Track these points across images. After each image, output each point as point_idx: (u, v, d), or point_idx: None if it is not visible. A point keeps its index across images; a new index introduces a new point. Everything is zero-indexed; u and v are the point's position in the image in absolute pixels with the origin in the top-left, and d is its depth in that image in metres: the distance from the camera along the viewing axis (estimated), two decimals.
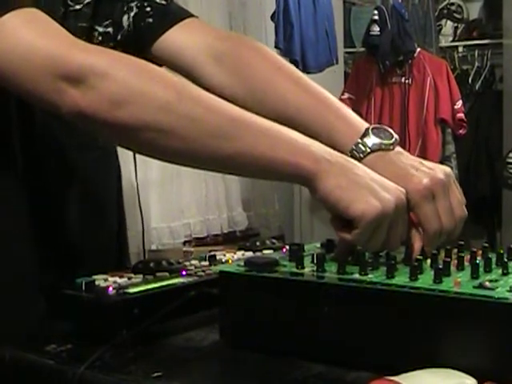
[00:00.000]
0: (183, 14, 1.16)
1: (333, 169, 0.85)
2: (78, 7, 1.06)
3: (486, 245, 0.90)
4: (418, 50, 3.97)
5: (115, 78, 0.84)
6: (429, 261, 0.84)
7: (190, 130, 0.85)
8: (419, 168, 0.93)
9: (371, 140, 0.95)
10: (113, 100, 0.83)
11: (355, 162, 0.88)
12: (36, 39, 0.86)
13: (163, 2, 1.16)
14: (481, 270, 0.80)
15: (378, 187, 0.84)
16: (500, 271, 0.81)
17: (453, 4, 4.46)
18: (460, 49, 4.32)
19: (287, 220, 4.38)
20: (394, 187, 0.86)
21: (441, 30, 4.38)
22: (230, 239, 4.02)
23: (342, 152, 0.89)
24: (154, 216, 3.62)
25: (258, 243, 1.12)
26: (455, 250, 0.89)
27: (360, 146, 0.95)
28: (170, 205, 3.73)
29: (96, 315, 0.86)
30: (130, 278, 0.92)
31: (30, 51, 0.85)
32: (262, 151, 0.85)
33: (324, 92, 1.04)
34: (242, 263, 0.86)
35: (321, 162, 0.85)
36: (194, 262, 1.03)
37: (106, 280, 0.91)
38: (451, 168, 3.95)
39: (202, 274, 0.96)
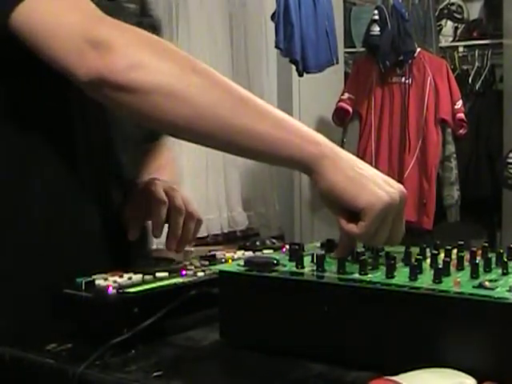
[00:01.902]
0: None
1: (337, 158, 0.86)
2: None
3: (486, 244, 0.90)
4: (418, 49, 3.96)
5: (134, 47, 0.89)
6: (428, 260, 0.84)
7: (200, 97, 0.88)
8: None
9: None
10: (129, 64, 0.87)
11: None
12: (67, 11, 0.91)
13: None
14: (480, 269, 0.80)
15: (382, 181, 0.85)
16: (500, 271, 0.81)
17: (453, 4, 4.45)
18: (460, 49, 4.31)
19: (287, 220, 4.37)
20: (396, 182, 0.87)
21: (441, 29, 4.37)
22: (230, 239, 4.02)
23: None
24: None
25: (258, 243, 1.12)
26: (455, 250, 0.89)
27: None
28: None
29: (96, 314, 0.86)
30: (129, 278, 0.92)
31: (60, 21, 0.91)
32: (268, 129, 0.87)
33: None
34: (242, 263, 0.86)
35: (324, 147, 0.87)
36: (194, 261, 1.03)
37: (105, 279, 0.91)
38: (451, 168, 3.98)
39: (202, 273, 0.96)
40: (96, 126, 1.09)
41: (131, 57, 0.88)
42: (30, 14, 0.91)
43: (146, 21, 1.22)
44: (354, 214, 0.84)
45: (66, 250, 1.05)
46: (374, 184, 0.84)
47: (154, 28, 1.23)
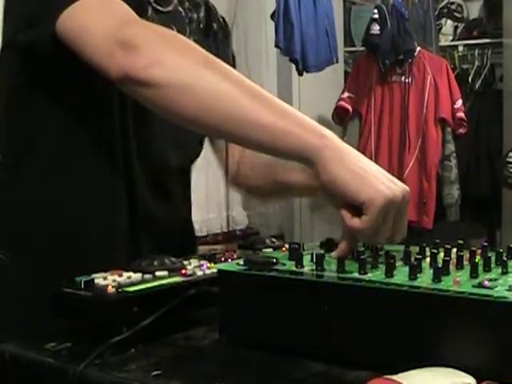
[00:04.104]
0: None
1: (339, 151, 0.87)
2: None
3: (486, 244, 0.90)
4: (418, 49, 3.96)
5: (156, 46, 0.96)
6: (428, 260, 0.84)
7: (208, 90, 0.93)
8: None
9: None
10: (150, 62, 0.94)
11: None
12: (104, 17, 1.00)
13: None
14: (480, 269, 0.80)
15: (385, 178, 0.85)
16: (499, 270, 0.81)
17: (453, 3, 4.45)
18: (460, 48, 4.31)
19: (287, 219, 4.37)
20: (398, 181, 0.87)
21: (441, 29, 4.37)
22: (229, 238, 4.02)
23: None
24: None
25: (257, 242, 1.12)
26: (454, 249, 0.89)
27: None
28: None
29: (95, 314, 0.86)
30: (129, 277, 0.92)
31: (96, 26, 1.00)
32: (272, 120, 0.90)
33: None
34: (242, 262, 0.86)
35: (327, 139, 0.87)
36: (193, 260, 1.03)
37: (105, 278, 0.90)
38: (451, 167, 3.98)
39: (201, 272, 0.96)
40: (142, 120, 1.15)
41: (151, 54, 0.95)
42: (71, 21, 1.00)
43: (213, 28, 1.31)
44: (356, 209, 0.84)
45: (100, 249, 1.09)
46: (375, 179, 0.84)
47: (222, 32, 1.34)
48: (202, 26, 1.29)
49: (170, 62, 0.95)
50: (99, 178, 1.11)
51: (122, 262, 1.03)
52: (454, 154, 4.02)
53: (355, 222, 0.85)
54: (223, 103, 0.92)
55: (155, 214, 1.19)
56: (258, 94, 0.93)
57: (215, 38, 1.31)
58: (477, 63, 4.24)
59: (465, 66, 4.29)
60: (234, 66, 1.35)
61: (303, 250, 0.93)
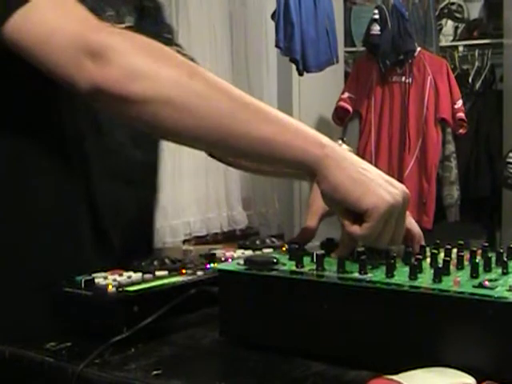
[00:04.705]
0: None
1: (340, 159, 0.86)
2: None
3: (486, 244, 0.89)
4: (419, 49, 3.97)
5: (131, 55, 0.87)
6: (428, 260, 0.84)
7: (198, 105, 0.87)
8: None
9: None
10: (127, 75, 0.86)
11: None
12: (62, 19, 0.90)
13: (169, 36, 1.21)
14: (480, 269, 0.80)
15: (386, 182, 0.85)
16: (500, 271, 0.81)
17: (453, 3, 4.45)
18: (460, 48, 4.31)
19: (287, 219, 4.38)
20: (398, 183, 0.87)
21: (441, 29, 4.37)
22: (229, 238, 4.02)
23: None
24: None
25: (257, 242, 1.12)
26: (455, 250, 0.89)
27: None
28: (171, 203, 3.73)
29: (96, 313, 0.86)
30: (129, 277, 0.92)
31: (56, 30, 0.89)
32: (270, 133, 0.87)
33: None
34: (242, 262, 0.86)
35: (327, 148, 0.86)
36: (193, 260, 1.03)
37: (105, 278, 0.91)
38: (451, 168, 3.98)
39: (202, 272, 0.96)
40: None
41: (127, 66, 0.86)
42: (25, 25, 0.89)
43: (146, 6, 1.20)
44: (357, 215, 0.84)
45: (64, 247, 1.05)
46: (377, 185, 0.84)
47: (154, 7, 1.23)
48: (135, 5, 1.18)
49: (151, 73, 0.86)
50: (54, 178, 1.04)
51: (93, 259, 1.02)
52: (454, 155, 4.03)
53: (355, 228, 0.85)
54: (218, 118, 0.87)
55: (122, 208, 1.13)
56: (252, 105, 0.89)
57: (150, 15, 1.22)
58: (477, 64, 4.24)
59: (465, 67, 4.30)
60: (173, 39, 1.26)
61: (303, 250, 0.93)
